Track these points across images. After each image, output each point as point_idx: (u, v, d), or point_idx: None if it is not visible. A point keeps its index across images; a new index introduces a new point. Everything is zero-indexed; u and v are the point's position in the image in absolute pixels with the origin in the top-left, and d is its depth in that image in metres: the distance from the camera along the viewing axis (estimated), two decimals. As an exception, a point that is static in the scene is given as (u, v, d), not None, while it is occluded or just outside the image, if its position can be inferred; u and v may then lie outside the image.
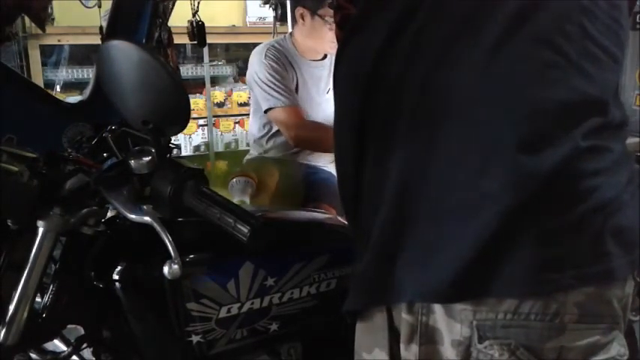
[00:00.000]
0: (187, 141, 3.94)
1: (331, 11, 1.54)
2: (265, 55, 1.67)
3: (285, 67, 1.68)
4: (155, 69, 0.61)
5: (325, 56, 1.74)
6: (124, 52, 0.62)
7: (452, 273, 0.57)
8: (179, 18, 1.73)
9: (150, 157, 0.71)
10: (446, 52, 0.58)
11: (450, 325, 0.59)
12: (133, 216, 0.68)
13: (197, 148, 3.99)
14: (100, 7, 1.45)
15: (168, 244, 0.68)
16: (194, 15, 1.57)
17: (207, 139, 4.00)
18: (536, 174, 0.55)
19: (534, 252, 0.55)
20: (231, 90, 3.98)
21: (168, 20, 1.56)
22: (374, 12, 0.63)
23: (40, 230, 0.73)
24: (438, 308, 0.59)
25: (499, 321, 0.57)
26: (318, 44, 1.68)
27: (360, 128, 0.64)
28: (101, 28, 1.51)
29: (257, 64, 1.68)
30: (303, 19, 1.63)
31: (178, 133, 0.71)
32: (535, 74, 0.57)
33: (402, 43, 0.59)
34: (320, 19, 1.58)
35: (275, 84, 1.64)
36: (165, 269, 0.68)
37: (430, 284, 0.59)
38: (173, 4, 1.56)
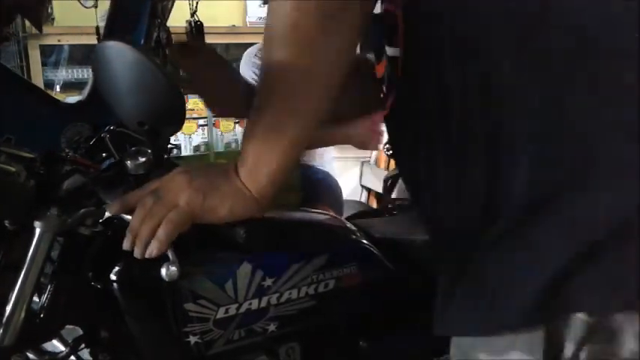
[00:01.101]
0: (187, 141, 3.94)
1: None
2: (256, 55, 1.69)
3: None
4: (150, 70, 0.61)
5: None
6: (119, 53, 0.62)
7: None
8: (178, 18, 1.73)
9: (146, 158, 0.71)
10: None
11: (632, 318, 0.55)
12: (129, 217, 0.68)
13: (197, 148, 3.99)
14: (96, 7, 1.45)
15: (166, 245, 0.68)
16: (192, 15, 1.57)
17: (207, 139, 4.00)
18: None
19: None
20: (231, 90, 3.98)
21: (167, 20, 1.56)
22: None
23: (37, 231, 0.72)
24: None
25: None
26: None
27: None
28: (97, 28, 1.51)
29: (246, 66, 1.71)
30: None
31: (174, 133, 0.72)
32: None
33: None
34: None
35: None
36: (163, 271, 0.68)
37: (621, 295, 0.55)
38: (172, 4, 1.56)
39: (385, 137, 2.25)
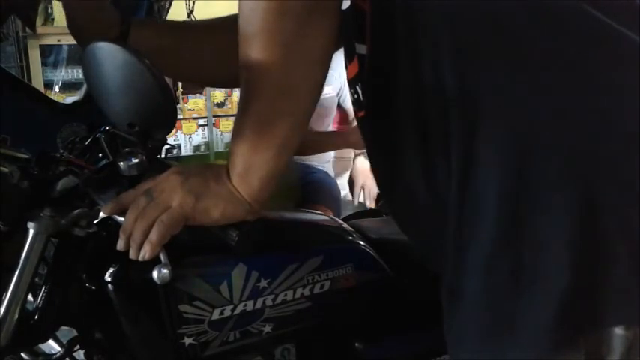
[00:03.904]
0: (187, 141, 3.95)
1: None
2: None
3: None
4: (140, 71, 0.61)
5: None
6: (109, 54, 0.61)
7: None
8: (176, 18, 1.73)
9: (138, 160, 0.71)
10: None
11: None
12: (121, 219, 0.68)
13: (197, 148, 4.00)
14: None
15: (158, 248, 0.68)
16: (189, 15, 1.57)
17: (207, 139, 4.01)
18: None
19: None
20: (231, 90, 3.99)
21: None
22: None
23: (31, 232, 0.72)
24: None
25: None
26: None
27: None
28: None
29: None
30: None
31: (165, 135, 0.71)
32: None
33: None
34: None
35: None
36: (155, 274, 0.68)
37: None
38: (169, 4, 1.56)
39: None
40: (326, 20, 0.62)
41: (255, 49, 0.62)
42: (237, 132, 0.67)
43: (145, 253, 0.66)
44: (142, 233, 0.67)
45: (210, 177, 0.69)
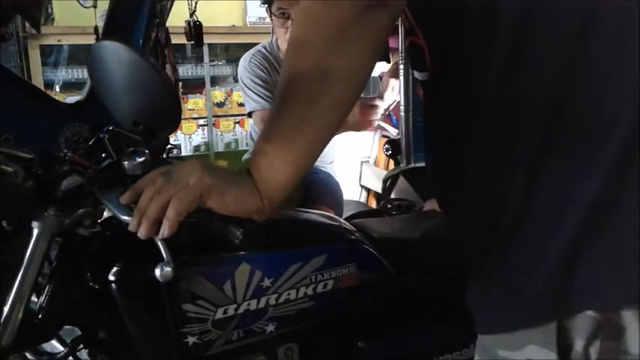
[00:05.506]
0: (187, 141, 3.94)
1: (276, 6, 1.63)
2: (249, 61, 1.80)
3: (269, 72, 1.77)
4: (145, 70, 0.61)
5: None
6: (115, 53, 0.61)
7: None
8: (178, 18, 1.73)
9: (143, 159, 0.71)
10: None
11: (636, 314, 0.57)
12: (125, 217, 0.68)
13: (197, 148, 3.99)
14: (95, 7, 1.45)
15: (161, 246, 0.68)
16: (191, 15, 1.57)
17: (207, 139, 4.00)
18: None
19: None
20: (231, 90, 3.99)
21: (166, 20, 1.56)
22: None
23: (35, 231, 0.72)
24: None
25: None
26: (281, 43, 1.76)
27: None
28: (96, 28, 1.51)
29: (242, 70, 1.80)
30: (271, 19, 1.74)
31: (170, 134, 0.71)
32: None
33: None
34: (275, 17, 1.68)
35: (256, 88, 1.74)
36: (157, 272, 0.67)
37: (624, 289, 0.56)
38: (171, 4, 1.56)
39: (385, 130, 2.26)
40: (376, 29, 0.65)
41: (301, 54, 0.65)
42: (265, 133, 0.69)
43: (164, 232, 0.66)
44: (156, 210, 0.65)
45: (230, 170, 0.71)
